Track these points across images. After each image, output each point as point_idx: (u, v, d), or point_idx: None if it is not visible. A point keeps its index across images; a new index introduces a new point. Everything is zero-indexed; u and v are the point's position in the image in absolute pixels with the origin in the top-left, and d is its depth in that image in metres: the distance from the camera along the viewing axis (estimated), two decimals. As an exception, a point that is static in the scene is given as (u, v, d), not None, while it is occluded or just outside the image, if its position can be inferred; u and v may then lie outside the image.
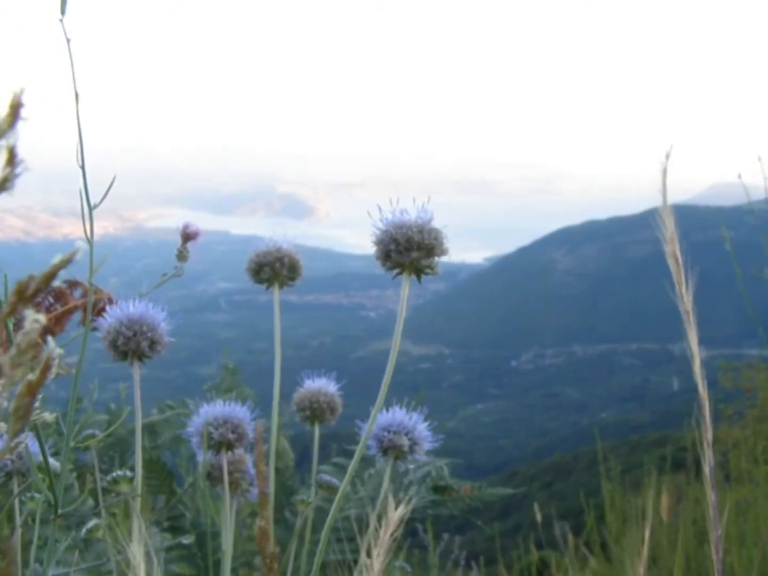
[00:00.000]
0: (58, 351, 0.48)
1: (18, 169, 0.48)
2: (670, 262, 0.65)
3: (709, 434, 0.66)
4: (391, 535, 0.65)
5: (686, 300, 0.66)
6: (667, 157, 0.67)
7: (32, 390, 0.46)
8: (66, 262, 0.48)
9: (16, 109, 0.47)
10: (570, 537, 3.10)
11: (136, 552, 0.71)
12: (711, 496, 0.66)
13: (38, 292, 0.47)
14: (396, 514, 0.65)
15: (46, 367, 0.47)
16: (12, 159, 0.47)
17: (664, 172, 0.67)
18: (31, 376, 0.46)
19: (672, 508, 2.43)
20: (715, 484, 0.66)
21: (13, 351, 0.45)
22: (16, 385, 0.46)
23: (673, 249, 0.65)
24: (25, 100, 0.47)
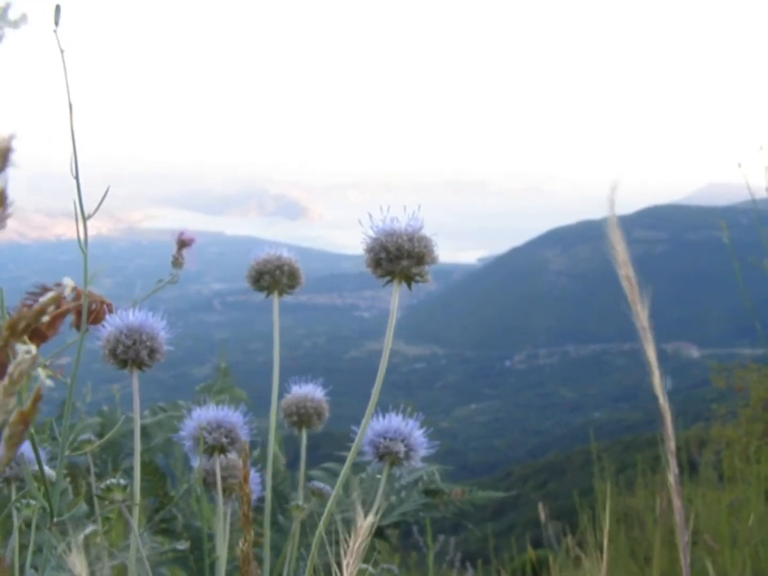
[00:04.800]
0: (49, 384, 0.50)
1: (9, 210, 0.50)
2: (624, 284, 0.67)
3: (672, 445, 0.67)
4: (361, 543, 0.65)
5: (642, 317, 0.68)
6: (614, 189, 0.68)
7: (25, 419, 0.48)
8: (55, 300, 0.50)
9: (5, 153, 0.48)
10: (564, 537, 3.10)
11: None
12: (676, 503, 0.67)
13: (28, 328, 0.48)
14: (366, 522, 0.65)
15: (38, 398, 0.49)
16: (3, 201, 0.49)
17: (611, 203, 0.68)
18: (23, 407, 0.48)
19: (666, 508, 2.43)
20: (680, 491, 0.67)
21: (5, 381, 0.47)
22: (9, 413, 0.48)
23: (626, 272, 0.67)
24: (15, 145, 0.49)
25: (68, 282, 0.50)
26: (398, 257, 0.91)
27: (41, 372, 0.49)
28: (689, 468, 3.44)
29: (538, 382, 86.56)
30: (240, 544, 0.69)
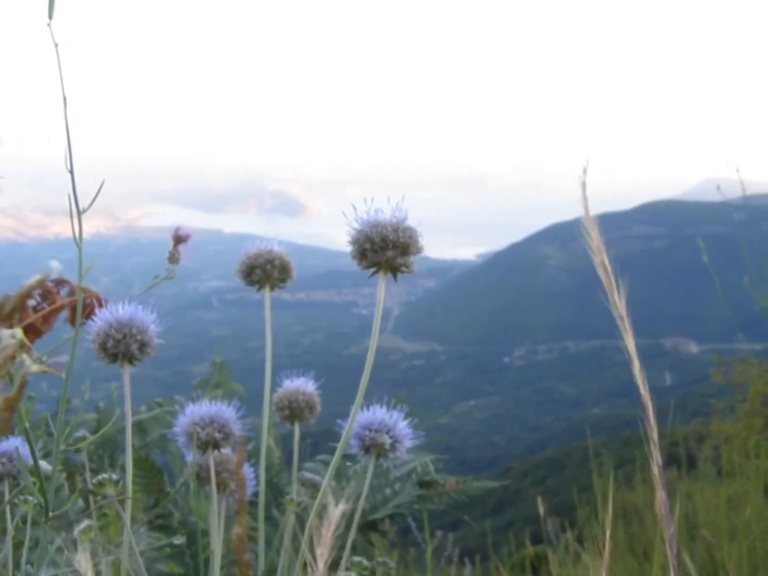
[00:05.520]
0: (35, 368, 0.49)
1: None
2: (600, 271, 0.67)
3: (655, 435, 0.67)
4: (334, 532, 0.65)
5: (620, 306, 0.68)
6: (585, 172, 0.69)
7: (10, 405, 0.48)
8: (40, 283, 0.50)
9: None
10: (563, 533, 3.11)
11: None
12: (661, 495, 0.67)
13: (14, 311, 0.49)
14: (337, 511, 0.66)
15: (23, 383, 0.48)
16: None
17: (583, 185, 0.68)
18: (10, 392, 0.48)
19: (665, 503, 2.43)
20: (664, 483, 0.67)
21: None
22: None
23: (601, 258, 0.67)
24: None
25: (55, 266, 0.51)
26: (383, 248, 0.92)
27: (26, 357, 0.49)
28: (688, 463, 3.44)
29: (537, 377, 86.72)
30: (234, 528, 0.69)
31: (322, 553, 0.64)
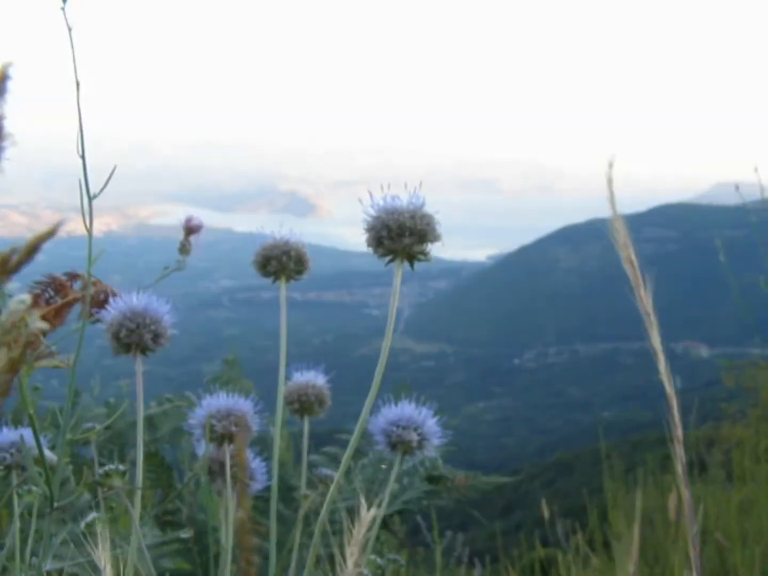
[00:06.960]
0: (40, 326, 0.47)
1: (5, 143, 0.47)
2: (626, 266, 0.66)
3: (678, 432, 0.66)
4: (365, 534, 0.65)
5: (646, 302, 0.67)
6: (611, 166, 0.68)
7: (14, 367, 0.45)
8: (49, 234, 0.47)
9: (2, 82, 0.46)
10: (573, 535, 3.09)
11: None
12: (685, 493, 0.66)
13: (20, 264, 0.46)
14: (369, 514, 0.65)
15: (27, 344, 0.46)
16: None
17: (609, 181, 0.67)
18: (12, 353, 0.46)
19: (676, 507, 2.42)
20: (688, 481, 0.66)
21: None
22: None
23: (628, 254, 0.66)
24: (12, 72, 0.46)
25: (62, 218, 0.50)
26: (400, 235, 0.89)
27: (35, 316, 0.47)
28: (699, 467, 3.42)
29: (547, 380, 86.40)
30: (236, 512, 0.69)
31: (353, 553, 0.63)
